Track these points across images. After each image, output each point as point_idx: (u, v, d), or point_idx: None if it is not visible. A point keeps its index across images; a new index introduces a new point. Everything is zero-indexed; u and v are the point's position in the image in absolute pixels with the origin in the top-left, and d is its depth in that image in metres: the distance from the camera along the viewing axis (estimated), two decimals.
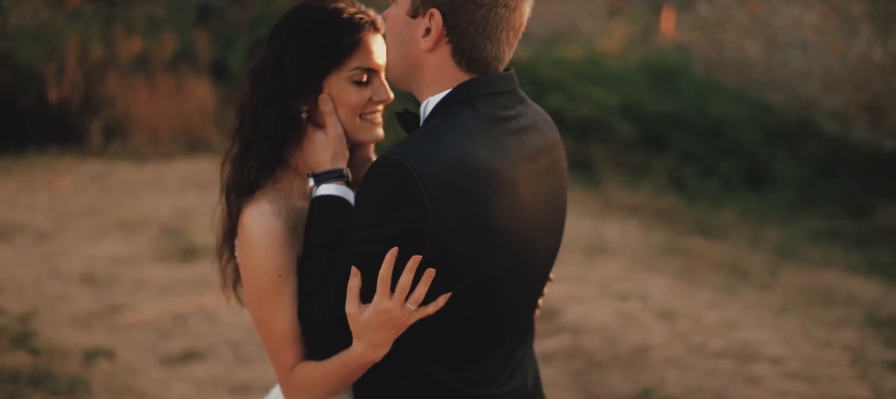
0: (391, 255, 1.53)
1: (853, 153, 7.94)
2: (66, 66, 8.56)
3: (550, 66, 8.56)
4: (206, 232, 5.85)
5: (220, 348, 4.50)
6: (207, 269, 5.09)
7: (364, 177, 1.61)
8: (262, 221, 1.70)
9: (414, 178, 1.51)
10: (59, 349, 4.41)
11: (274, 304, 1.70)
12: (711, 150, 7.88)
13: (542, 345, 4.58)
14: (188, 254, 5.78)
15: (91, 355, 4.35)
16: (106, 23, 9.35)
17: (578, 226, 6.56)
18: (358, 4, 1.80)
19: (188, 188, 7.27)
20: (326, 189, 1.71)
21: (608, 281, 5.49)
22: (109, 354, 4.37)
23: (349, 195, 1.74)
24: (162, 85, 8.74)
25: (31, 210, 6.58)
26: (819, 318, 5.04)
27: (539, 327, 4.74)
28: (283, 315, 1.70)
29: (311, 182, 1.74)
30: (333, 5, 1.76)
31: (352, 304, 1.59)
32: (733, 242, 6.43)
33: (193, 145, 8.45)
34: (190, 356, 4.42)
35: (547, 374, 4.31)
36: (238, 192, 1.78)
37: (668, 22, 9.55)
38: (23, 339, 4.48)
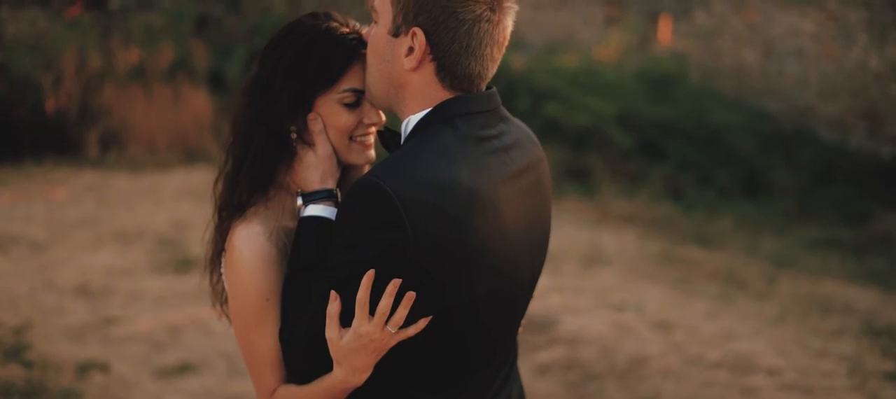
0: (368, 278, 1.51)
1: (850, 161, 7.94)
2: (63, 77, 8.57)
3: (547, 75, 8.56)
4: (202, 243, 5.84)
5: (214, 361, 4.49)
6: (203, 281, 5.08)
7: (343, 199, 1.59)
8: (252, 243, 1.68)
9: (393, 200, 1.49)
10: (53, 362, 4.39)
11: (259, 326, 1.68)
12: (708, 159, 7.87)
13: (537, 356, 4.56)
14: (184, 265, 5.77)
15: (85, 368, 4.34)
16: (103, 33, 9.36)
17: (575, 235, 6.55)
18: (352, 23, 1.78)
19: (185, 199, 7.26)
20: (314, 210, 1.68)
21: (604, 291, 5.48)
22: (103, 367, 4.36)
23: None
24: (159, 95, 8.75)
25: (27, 221, 6.57)
26: (816, 327, 5.03)
27: (535, 339, 4.73)
28: (268, 338, 1.68)
29: (300, 201, 1.71)
30: (326, 24, 1.73)
31: (331, 329, 1.56)
32: (730, 251, 6.42)
33: (190, 156, 8.45)
34: (184, 369, 4.41)
35: (542, 386, 4.29)
36: (229, 211, 1.76)
37: (664, 30, 9.56)
38: (16, 352, 4.47)
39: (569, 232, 6.58)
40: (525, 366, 4.43)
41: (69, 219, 6.68)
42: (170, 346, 4.66)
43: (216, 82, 9.19)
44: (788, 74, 8.64)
